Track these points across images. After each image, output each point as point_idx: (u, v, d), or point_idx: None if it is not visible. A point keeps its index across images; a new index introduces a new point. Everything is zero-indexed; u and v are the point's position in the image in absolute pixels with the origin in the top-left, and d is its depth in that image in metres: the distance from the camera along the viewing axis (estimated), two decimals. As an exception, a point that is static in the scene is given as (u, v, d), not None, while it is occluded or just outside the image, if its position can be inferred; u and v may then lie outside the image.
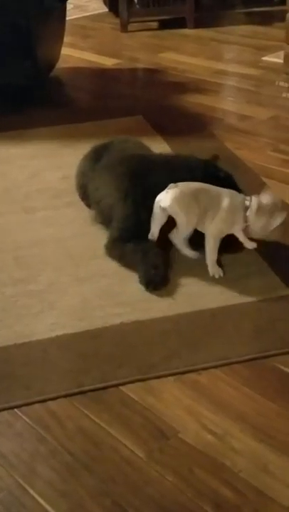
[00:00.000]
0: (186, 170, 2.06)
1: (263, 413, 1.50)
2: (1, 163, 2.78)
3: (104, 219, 2.17)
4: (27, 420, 1.50)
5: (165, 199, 1.94)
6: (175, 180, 1.97)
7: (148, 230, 2.03)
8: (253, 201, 1.94)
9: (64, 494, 1.32)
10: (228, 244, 2.03)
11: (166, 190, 1.95)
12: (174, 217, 1.96)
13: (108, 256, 2.06)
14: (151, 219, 2.01)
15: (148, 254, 1.97)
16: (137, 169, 2.12)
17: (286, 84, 3.52)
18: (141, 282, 1.94)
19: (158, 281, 1.93)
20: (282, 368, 1.63)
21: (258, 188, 2.46)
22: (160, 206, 1.96)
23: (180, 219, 1.96)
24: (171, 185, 1.95)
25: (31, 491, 1.33)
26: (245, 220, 1.93)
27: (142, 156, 2.24)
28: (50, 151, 2.82)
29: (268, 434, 1.44)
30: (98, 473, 1.37)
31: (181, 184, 1.95)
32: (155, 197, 1.98)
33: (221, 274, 1.96)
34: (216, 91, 3.65)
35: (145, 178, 2.07)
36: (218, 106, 3.41)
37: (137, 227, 2.03)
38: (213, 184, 1.98)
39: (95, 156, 2.30)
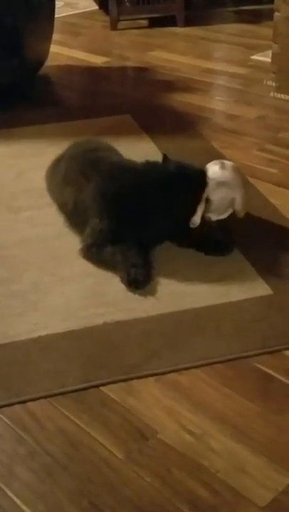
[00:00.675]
0: (156, 170, 2.08)
1: (242, 413, 1.51)
2: (-14, 162, 2.78)
3: (77, 223, 2.17)
4: (6, 421, 1.51)
5: (224, 174, 1.92)
6: (145, 182, 2.02)
7: (123, 233, 2.03)
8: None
9: (41, 495, 1.33)
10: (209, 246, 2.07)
11: (215, 166, 1.99)
12: (232, 191, 1.96)
13: (86, 259, 2.05)
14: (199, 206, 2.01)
15: (128, 254, 1.98)
16: (109, 173, 2.12)
17: (274, 84, 3.52)
18: (123, 282, 1.94)
19: (140, 280, 1.93)
20: (263, 368, 1.64)
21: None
22: (218, 182, 1.94)
23: (239, 193, 1.97)
24: (216, 161, 1.98)
25: (8, 492, 1.34)
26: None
27: (112, 159, 2.24)
28: (36, 150, 2.82)
29: (246, 434, 1.45)
30: (76, 474, 1.37)
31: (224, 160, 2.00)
32: (128, 199, 2.01)
33: None
34: (205, 90, 3.65)
35: (117, 181, 2.07)
36: (206, 105, 3.42)
37: (112, 231, 2.03)
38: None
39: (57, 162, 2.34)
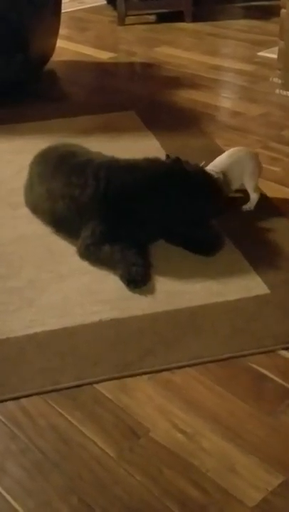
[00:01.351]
0: (151, 169, 2.08)
1: (234, 413, 1.51)
2: (-12, 158, 2.79)
3: (69, 228, 2.15)
4: (0, 417, 1.51)
5: (250, 151, 2.41)
6: (140, 180, 2.04)
7: (122, 232, 2.03)
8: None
9: (31, 492, 1.33)
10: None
11: (239, 150, 2.38)
12: (257, 164, 2.37)
13: (83, 259, 2.05)
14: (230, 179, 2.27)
15: (127, 253, 1.97)
16: (104, 173, 2.08)
17: (279, 81, 3.51)
18: (122, 280, 1.94)
19: (139, 279, 1.93)
20: (257, 367, 1.63)
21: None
22: (249, 158, 2.34)
23: (248, 166, 2.34)
24: (235, 148, 2.39)
25: (-1, 488, 1.35)
26: None
27: (107, 159, 2.20)
28: (38, 146, 2.79)
29: (237, 434, 1.45)
30: (67, 471, 1.38)
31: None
32: (127, 199, 2.02)
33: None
34: (210, 86, 3.64)
35: (115, 181, 2.06)
36: (210, 102, 3.41)
37: (112, 231, 2.03)
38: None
39: (38, 160, 2.32)
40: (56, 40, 3.94)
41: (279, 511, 1.29)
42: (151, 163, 2.10)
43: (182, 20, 4.97)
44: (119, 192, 2.04)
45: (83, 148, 2.33)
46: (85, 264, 2.03)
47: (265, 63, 3.97)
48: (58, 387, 1.59)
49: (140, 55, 4.35)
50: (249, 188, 2.34)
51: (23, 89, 3.52)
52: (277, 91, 3.48)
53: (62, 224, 2.16)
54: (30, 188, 2.30)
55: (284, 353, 1.68)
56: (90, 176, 2.08)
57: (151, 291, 1.91)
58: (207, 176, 2.16)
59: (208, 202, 2.13)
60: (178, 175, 2.04)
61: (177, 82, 3.75)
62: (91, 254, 2.03)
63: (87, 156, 2.21)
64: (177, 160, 2.10)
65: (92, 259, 2.03)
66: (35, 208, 2.27)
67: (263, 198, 2.40)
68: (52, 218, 2.19)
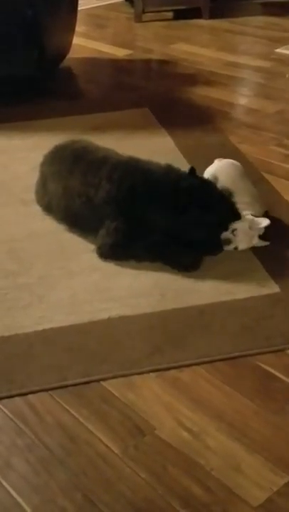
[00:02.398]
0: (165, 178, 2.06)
1: (240, 412, 1.50)
2: (2, 154, 2.80)
3: (85, 226, 2.15)
4: (7, 413, 1.52)
5: (214, 166, 2.35)
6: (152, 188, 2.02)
7: (134, 234, 2.04)
8: None
9: (36, 488, 1.34)
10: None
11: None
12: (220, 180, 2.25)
13: (107, 258, 2.05)
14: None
15: (162, 246, 2.01)
16: (119, 174, 2.08)
17: (295, 78, 3.48)
18: (179, 269, 1.97)
19: (193, 261, 1.98)
20: (264, 366, 1.63)
21: (257, 183, 2.45)
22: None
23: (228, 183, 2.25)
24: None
25: (4, 483, 1.35)
26: None
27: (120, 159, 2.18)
28: (53, 143, 2.80)
29: (243, 432, 1.45)
30: (72, 468, 1.38)
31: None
32: (138, 206, 2.03)
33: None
34: (225, 83, 3.62)
35: (127, 185, 2.05)
36: (225, 99, 3.39)
37: (127, 231, 2.04)
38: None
39: (52, 158, 2.31)
40: (72, 37, 3.95)
41: (283, 511, 1.28)
42: (168, 172, 2.07)
43: (199, 17, 4.95)
44: (130, 197, 2.03)
45: (92, 143, 2.33)
46: (96, 262, 2.03)
47: (282, 60, 3.94)
48: (65, 383, 1.59)
49: (157, 52, 4.34)
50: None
51: (39, 86, 3.53)
52: (293, 88, 3.46)
53: (78, 221, 2.17)
54: (42, 187, 2.31)
55: (293, 352, 1.67)
56: (104, 177, 2.08)
57: (160, 288, 1.91)
58: (220, 194, 2.10)
59: (218, 219, 2.04)
60: (189, 189, 2.01)
61: (193, 79, 3.73)
62: (120, 253, 2.03)
63: (103, 153, 2.20)
64: (193, 173, 2.07)
65: (123, 257, 2.03)
66: (49, 206, 2.27)
67: (277, 195, 2.39)
68: (67, 215, 2.19)
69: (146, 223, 2.03)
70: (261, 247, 2.06)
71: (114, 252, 2.04)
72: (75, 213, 2.15)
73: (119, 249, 2.04)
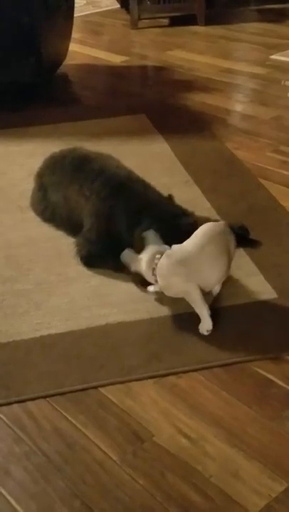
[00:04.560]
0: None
1: (238, 418, 1.50)
2: (-1, 161, 2.80)
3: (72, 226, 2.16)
4: (5, 420, 1.52)
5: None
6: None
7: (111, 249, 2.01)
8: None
9: (34, 495, 1.34)
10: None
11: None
12: None
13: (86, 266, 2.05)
14: None
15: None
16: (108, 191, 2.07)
17: (291, 84, 3.50)
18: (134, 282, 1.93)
19: None
20: (262, 372, 1.63)
21: (253, 189, 2.46)
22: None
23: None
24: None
25: (2, 491, 1.35)
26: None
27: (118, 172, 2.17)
28: (49, 150, 2.81)
29: (241, 439, 1.44)
30: (70, 475, 1.38)
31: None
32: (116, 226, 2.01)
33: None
34: (221, 90, 3.64)
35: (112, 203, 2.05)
36: (221, 105, 3.40)
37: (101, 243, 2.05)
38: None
39: (51, 167, 2.30)
40: (69, 43, 3.96)
41: (282, 518, 1.28)
42: (158, 201, 2.05)
43: (195, 24, 4.97)
44: (112, 216, 2.03)
45: (92, 151, 2.33)
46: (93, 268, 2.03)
47: (278, 66, 3.96)
48: (63, 390, 1.59)
49: (152, 58, 4.36)
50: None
51: (35, 92, 3.54)
52: (289, 94, 3.47)
53: (78, 231, 2.16)
54: (43, 198, 2.29)
55: (290, 358, 1.67)
56: (94, 191, 2.08)
57: (158, 294, 1.91)
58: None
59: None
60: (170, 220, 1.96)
61: (189, 85, 3.74)
62: (88, 262, 2.05)
63: (101, 163, 2.18)
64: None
65: (93, 266, 2.04)
66: (52, 217, 2.26)
67: (273, 201, 2.39)
68: (70, 224, 2.20)
69: (120, 239, 2.01)
70: (258, 252, 2.06)
71: (88, 261, 2.05)
72: (75, 223, 2.15)
73: (92, 259, 2.05)
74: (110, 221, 2.03)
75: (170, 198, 2.10)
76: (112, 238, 2.02)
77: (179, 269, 1.73)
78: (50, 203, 2.26)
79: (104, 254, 2.02)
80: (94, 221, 2.06)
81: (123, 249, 1.90)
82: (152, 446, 1.44)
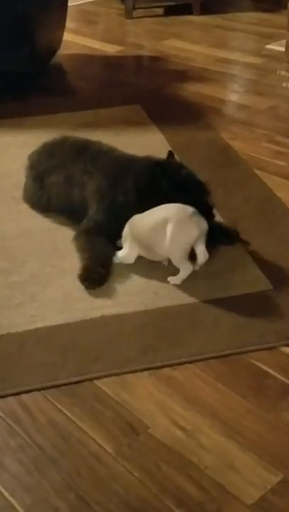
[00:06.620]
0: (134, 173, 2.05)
1: (234, 410, 1.50)
2: (-6, 152, 2.78)
3: (77, 213, 2.15)
4: (-1, 413, 1.52)
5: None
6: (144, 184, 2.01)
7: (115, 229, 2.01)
8: None
9: (29, 488, 1.33)
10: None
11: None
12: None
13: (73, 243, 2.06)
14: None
15: (99, 247, 2.00)
16: (114, 169, 2.10)
17: (287, 74, 3.48)
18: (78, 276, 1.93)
19: (93, 278, 1.91)
20: (258, 364, 1.62)
21: (249, 180, 2.46)
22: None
23: None
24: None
25: (-3, 484, 1.35)
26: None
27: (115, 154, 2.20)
28: (44, 140, 2.80)
29: (236, 430, 1.44)
30: (65, 467, 1.38)
31: None
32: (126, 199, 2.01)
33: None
34: (217, 80, 3.62)
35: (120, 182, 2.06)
36: (217, 95, 3.38)
37: (106, 225, 2.03)
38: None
39: (49, 152, 2.30)
40: (63, 33, 3.93)
41: (277, 510, 1.28)
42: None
43: (190, 13, 4.93)
44: (119, 194, 2.03)
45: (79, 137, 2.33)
46: (88, 259, 2.02)
47: (274, 56, 3.94)
48: (58, 382, 1.58)
49: (147, 48, 4.33)
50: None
51: (29, 82, 3.52)
52: (284, 84, 3.45)
53: (74, 213, 2.16)
54: (39, 188, 2.27)
55: (286, 349, 1.67)
56: (100, 168, 2.10)
57: (153, 286, 1.90)
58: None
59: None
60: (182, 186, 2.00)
61: (184, 75, 3.72)
62: (78, 241, 2.04)
63: (107, 147, 2.22)
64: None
65: (77, 246, 2.04)
66: (48, 203, 2.25)
67: (268, 192, 2.38)
68: (66, 205, 2.19)
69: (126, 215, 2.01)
70: (253, 244, 2.06)
71: (79, 239, 2.04)
72: (73, 204, 2.15)
73: (77, 236, 2.05)
74: (117, 197, 2.03)
75: (171, 155, 2.11)
76: (118, 214, 2.02)
77: (125, 229, 1.97)
78: (47, 189, 2.24)
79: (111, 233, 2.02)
80: (99, 198, 2.06)
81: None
82: (148, 439, 1.44)
